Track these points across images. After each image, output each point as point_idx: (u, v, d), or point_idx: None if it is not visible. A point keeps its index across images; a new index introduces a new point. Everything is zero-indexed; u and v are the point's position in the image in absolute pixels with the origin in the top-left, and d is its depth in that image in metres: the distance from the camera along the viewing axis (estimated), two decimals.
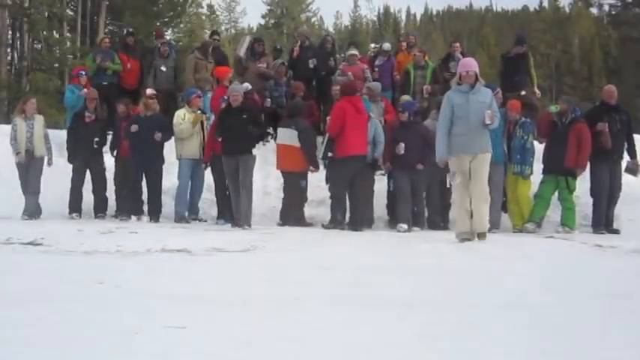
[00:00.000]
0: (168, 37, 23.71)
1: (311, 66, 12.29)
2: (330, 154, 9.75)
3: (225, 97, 9.85)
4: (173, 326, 2.74)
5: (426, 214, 9.92)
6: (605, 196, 9.43)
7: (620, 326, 3.01)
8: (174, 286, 4.02)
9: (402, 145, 9.48)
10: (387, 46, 13.21)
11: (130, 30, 15.59)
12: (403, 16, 75.85)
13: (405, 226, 9.23)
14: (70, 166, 10.77)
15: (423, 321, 2.98)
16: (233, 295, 3.70)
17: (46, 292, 3.65)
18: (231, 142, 9.33)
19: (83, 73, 12.40)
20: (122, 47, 13.63)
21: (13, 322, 2.82)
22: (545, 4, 62.06)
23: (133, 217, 10.11)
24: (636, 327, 3.02)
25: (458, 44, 13.25)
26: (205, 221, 10.11)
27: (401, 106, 10.10)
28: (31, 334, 2.63)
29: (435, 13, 76.43)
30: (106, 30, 27.57)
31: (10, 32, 27.64)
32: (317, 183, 10.12)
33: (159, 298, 3.49)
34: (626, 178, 9.67)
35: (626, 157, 9.61)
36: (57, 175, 10.79)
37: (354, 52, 12.53)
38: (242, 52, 12.87)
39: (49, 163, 10.48)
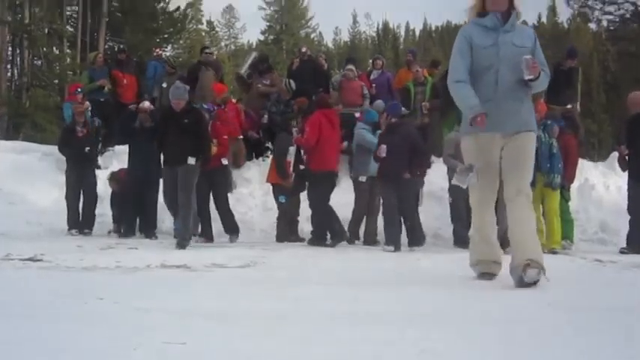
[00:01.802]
0: (167, 54, 23.82)
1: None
2: (302, 167, 9.66)
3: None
4: (173, 342, 2.73)
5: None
6: None
7: (621, 340, 3.00)
8: (174, 302, 4.02)
9: (384, 147, 8.85)
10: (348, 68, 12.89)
11: (122, 47, 15.77)
12: (402, 32, 76.07)
13: (392, 248, 8.59)
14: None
15: (423, 336, 2.97)
16: (233, 311, 3.70)
17: (45, 308, 3.64)
18: (169, 150, 8.69)
19: (80, 90, 12.49)
20: (116, 64, 13.75)
21: (13, 338, 2.81)
22: (544, 19, 62.30)
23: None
24: (637, 340, 3.02)
25: None
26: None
27: (385, 109, 9.66)
28: (31, 349, 2.63)
29: (433, 28, 76.57)
30: (106, 46, 27.67)
31: (10, 49, 27.73)
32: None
33: (158, 314, 3.49)
34: None
35: None
36: (58, 190, 10.81)
37: (351, 67, 12.62)
38: (243, 69, 12.94)
39: None
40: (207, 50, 14.00)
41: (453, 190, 8.95)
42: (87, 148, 10.59)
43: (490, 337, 3.01)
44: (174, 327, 3.14)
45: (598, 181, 11.59)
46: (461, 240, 9.10)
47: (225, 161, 10.03)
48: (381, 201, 9.27)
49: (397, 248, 8.63)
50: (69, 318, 3.32)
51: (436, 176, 10.47)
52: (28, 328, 3.07)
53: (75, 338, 2.85)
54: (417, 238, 9.03)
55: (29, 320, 3.26)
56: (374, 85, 12.79)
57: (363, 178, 9.86)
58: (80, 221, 10.50)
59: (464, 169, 5.00)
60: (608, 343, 2.95)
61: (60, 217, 10.57)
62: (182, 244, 8.38)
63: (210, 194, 9.93)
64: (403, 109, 10.12)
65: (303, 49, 14.03)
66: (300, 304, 3.98)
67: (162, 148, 8.80)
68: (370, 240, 9.91)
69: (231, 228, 9.92)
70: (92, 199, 10.65)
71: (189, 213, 8.67)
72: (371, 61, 14.59)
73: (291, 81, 12.40)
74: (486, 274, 5.17)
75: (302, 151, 9.78)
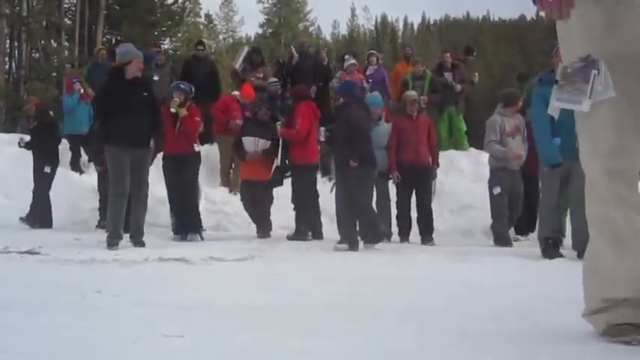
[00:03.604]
0: (165, 47, 23.77)
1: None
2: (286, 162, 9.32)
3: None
4: (171, 335, 2.73)
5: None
6: None
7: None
8: (172, 295, 4.02)
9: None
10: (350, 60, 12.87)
11: (119, 39, 15.66)
12: (401, 26, 76.11)
13: (345, 246, 7.72)
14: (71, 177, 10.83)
15: (422, 330, 2.97)
16: (231, 304, 3.70)
17: (43, 301, 3.64)
18: (124, 128, 7.21)
19: (76, 80, 12.48)
20: (111, 56, 13.71)
21: (10, 331, 2.81)
22: (542, 13, 62.23)
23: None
24: None
25: (449, 54, 13.35)
26: (205, 230, 9.99)
27: (336, 90, 8.88)
28: (29, 342, 2.62)
29: (432, 22, 76.59)
30: (104, 39, 27.63)
31: (8, 41, 27.72)
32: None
33: (157, 307, 3.49)
34: None
35: None
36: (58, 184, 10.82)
37: (353, 61, 12.58)
38: (237, 64, 12.89)
39: None
40: (199, 47, 13.78)
41: (495, 181, 8.85)
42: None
43: (489, 332, 3.01)
44: (173, 320, 3.14)
45: None
46: (501, 238, 8.70)
47: (197, 147, 9.13)
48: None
49: (352, 247, 7.73)
50: (66, 311, 3.32)
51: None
52: (26, 321, 3.07)
53: (73, 331, 2.84)
54: (373, 235, 7.91)
55: (26, 313, 3.26)
56: (370, 80, 12.77)
57: None
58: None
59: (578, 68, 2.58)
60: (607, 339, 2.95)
61: (57, 210, 10.58)
62: (138, 239, 7.48)
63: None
64: (375, 93, 9.92)
65: (306, 44, 14.04)
66: (299, 297, 3.98)
67: (110, 124, 7.39)
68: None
69: (193, 226, 8.92)
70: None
71: (145, 203, 7.68)
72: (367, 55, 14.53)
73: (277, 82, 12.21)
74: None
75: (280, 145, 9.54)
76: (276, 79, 12.29)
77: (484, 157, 11.59)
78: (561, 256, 6.80)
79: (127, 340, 2.67)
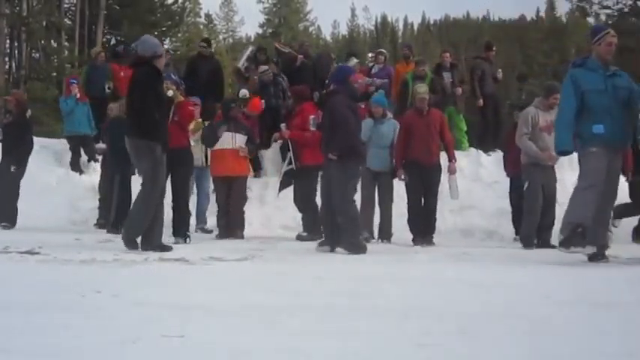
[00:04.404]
0: (165, 47, 23.74)
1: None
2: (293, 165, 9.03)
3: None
4: (171, 335, 2.73)
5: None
6: None
7: (619, 335, 3.00)
8: (172, 295, 4.02)
9: (311, 118, 7.80)
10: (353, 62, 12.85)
11: (119, 39, 15.67)
12: (401, 26, 76.03)
13: (327, 248, 7.30)
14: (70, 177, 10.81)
15: (421, 330, 2.97)
16: (231, 304, 3.69)
17: (43, 301, 3.64)
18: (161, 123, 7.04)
19: (74, 81, 12.48)
20: (113, 56, 13.71)
21: (10, 331, 2.81)
22: (542, 13, 62.33)
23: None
24: (633, 335, 3.02)
25: (447, 54, 13.34)
26: (211, 232, 9.91)
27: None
28: (29, 342, 2.62)
29: (432, 22, 76.51)
30: (104, 39, 27.63)
31: (8, 41, 27.70)
32: None
33: (156, 307, 3.48)
34: None
35: None
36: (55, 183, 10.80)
37: (357, 60, 12.64)
38: (240, 63, 12.91)
39: None
40: (202, 43, 13.78)
41: (525, 176, 8.49)
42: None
43: (489, 332, 3.01)
44: (173, 320, 3.14)
45: None
46: (525, 239, 8.38)
47: (192, 141, 8.91)
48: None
49: (334, 249, 7.29)
50: (66, 311, 3.32)
51: None
52: (26, 321, 3.07)
53: (73, 331, 2.84)
54: (348, 244, 7.22)
55: (26, 313, 3.26)
56: (375, 79, 12.79)
57: None
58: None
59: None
60: (606, 337, 2.95)
61: (57, 210, 10.58)
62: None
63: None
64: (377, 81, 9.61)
65: (306, 44, 14.06)
66: (299, 297, 3.98)
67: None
68: (384, 235, 9.33)
69: (179, 228, 8.32)
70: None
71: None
72: (373, 55, 14.48)
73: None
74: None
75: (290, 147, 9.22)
76: (266, 67, 12.14)
77: (484, 157, 11.62)
78: (584, 247, 6.11)
79: (127, 340, 2.67)
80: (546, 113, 8.35)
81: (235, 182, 9.29)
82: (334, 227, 7.30)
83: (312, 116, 8.58)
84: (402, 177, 8.83)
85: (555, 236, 7.10)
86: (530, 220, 8.41)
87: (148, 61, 6.98)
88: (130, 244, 6.80)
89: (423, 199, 8.86)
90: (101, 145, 10.77)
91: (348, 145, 7.27)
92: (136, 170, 7.88)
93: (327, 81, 11.66)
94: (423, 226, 8.80)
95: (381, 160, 9.06)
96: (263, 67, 12.04)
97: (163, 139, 6.98)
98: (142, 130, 6.85)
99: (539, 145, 8.34)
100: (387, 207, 9.19)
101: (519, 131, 8.43)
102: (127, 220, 7.09)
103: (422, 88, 9.34)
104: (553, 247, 7.40)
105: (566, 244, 6.14)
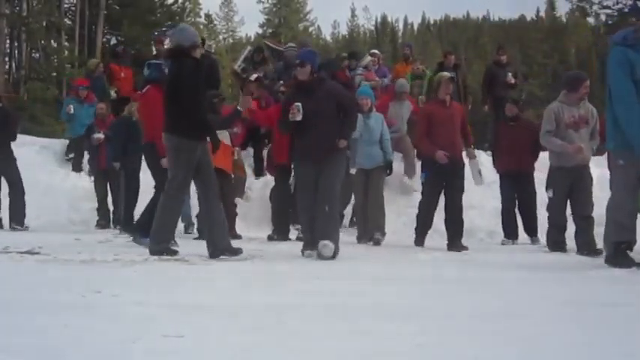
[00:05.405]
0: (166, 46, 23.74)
1: None
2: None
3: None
4: (171, 335, 2.73)
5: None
6: None
7: (618, 335, 3.00)
8: (172, 295, 4.01)
9: (297, 105, 6.57)
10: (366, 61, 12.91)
11: (119, 39, 15.69)
12: (400, 26, 76.06)
13: (313, 252, 6.56)
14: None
15: (422, 330, 2.97)
16: (231, 304, 3.69)
17: (43, 301, 3.63)
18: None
19: (83, 87, 12.46)
20: (112, 57, 13.70)
21: (11, 331, 2.81)
22: (542, 13, 62.36)
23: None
24: (634, 336, 3.02)
25: (452, 56, 13.36)
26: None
27: (298, 58, 6.98)
28: (29, 342, 2.62)
29: (432, 22, 76.55)
30: (104, 39, 27.64)
31: (8, 41, 27.73)
32: None
33: (156, 307, 3.48)
34: None
35: None
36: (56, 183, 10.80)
37: (370, 58, 12.70)
38: (237, 64, 12.93)
39: None
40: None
41: (550, 182, 7.86)
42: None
43: (487, 332, 3.01)
44: (173, 320, 3.14)
45: None
46: (554, 245, 7.70)
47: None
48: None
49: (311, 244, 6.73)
50: (66, 311, 3.31)
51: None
52: (26, 320, 3.07)
53: (73, 331, 2.84)
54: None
55: (26, 313, 3.26)
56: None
57: (352, 171, 8.65)
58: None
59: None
60: (605, 338, 2.95)
61: (57, 210, 10.58)
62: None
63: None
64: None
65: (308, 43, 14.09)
66: (299, 297, 3.98)
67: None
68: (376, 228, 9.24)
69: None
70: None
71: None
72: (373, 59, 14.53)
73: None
74: None
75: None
76: (292, 44, 12.24)
77: (484, 157, 11.58)
78: (635, 263, 5.55)
79: (127, 340, 2.67)
80: (572, 108, 7.60)
81: (222, 177, 8.57)
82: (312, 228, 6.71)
83: (298, 104, 8.29)
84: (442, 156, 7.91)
85: (599, 237, 6.61)
86: (555, 227, 7.75)
87: (186, 52, 6.43)
88: (163, 252, 6.32)
89: (445, 198, 8.23)
90: (99, 135, 10.75)
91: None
92: (152, 174, 7.68)
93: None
94: (450, 230, 8.10)
95: (373, 158, 8.68)
96: (290, 44, 12.12)
97: (214, 138, 6.59)
98: (190, 128, 6.35)
99: None
100: (377, 198, 8.68)
101: (542, 129, 7.70)
102: (152, 233, 6.50)
103: (445, 73, 8.80)
104: (600, 252, 6.66)
105: (614, 263, 5.60)
